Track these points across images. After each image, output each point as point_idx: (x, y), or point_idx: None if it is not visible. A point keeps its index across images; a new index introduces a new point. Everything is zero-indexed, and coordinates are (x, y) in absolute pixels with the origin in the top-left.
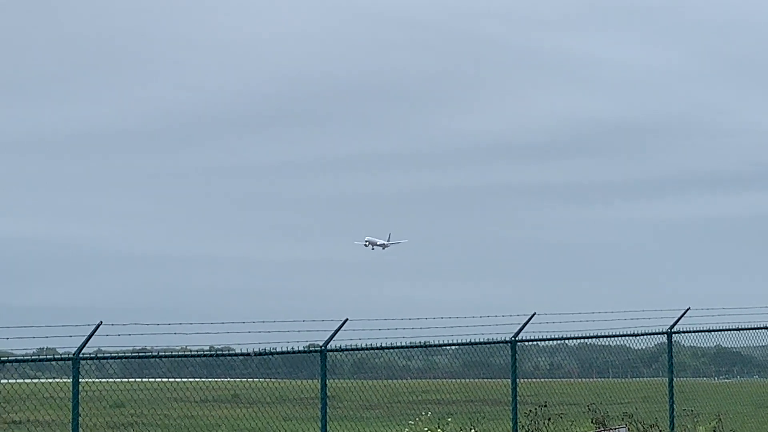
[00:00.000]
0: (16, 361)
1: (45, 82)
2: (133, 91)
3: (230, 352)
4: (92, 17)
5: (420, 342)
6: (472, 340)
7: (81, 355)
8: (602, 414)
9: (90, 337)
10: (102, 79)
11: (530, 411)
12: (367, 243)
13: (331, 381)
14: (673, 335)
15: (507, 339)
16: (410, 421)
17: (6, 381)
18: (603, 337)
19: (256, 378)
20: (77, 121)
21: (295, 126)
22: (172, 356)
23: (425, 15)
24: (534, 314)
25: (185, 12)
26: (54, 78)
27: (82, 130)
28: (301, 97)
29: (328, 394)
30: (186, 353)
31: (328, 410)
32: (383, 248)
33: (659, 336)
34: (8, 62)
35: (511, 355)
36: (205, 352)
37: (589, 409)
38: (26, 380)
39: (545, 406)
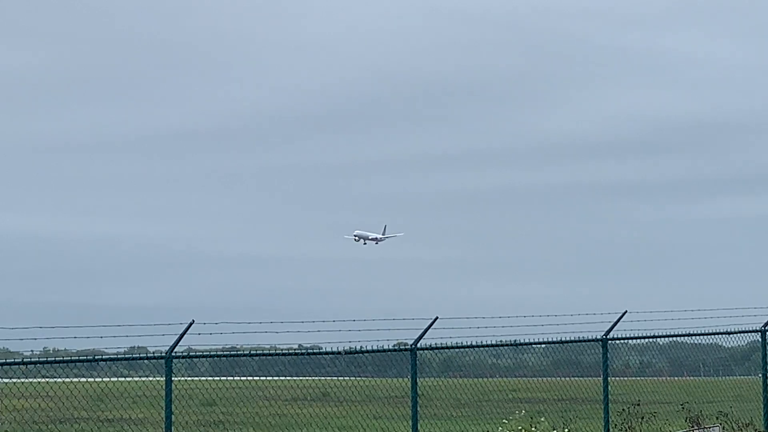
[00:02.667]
0: (109, 359)
1: (134, 84)
2: (219, 91)
3: (319, 350)
4: (177, 20)
5: (509, 340)
6: (562, 338)
7: (173, 354)
8: (696, 413)
9: (182, 336)
10: (189, 81)
11: (622, 410)
12: (357, 237)
13: (420, 379)
14: None
15: (598, 337)
16: (504, 420)
17: (99, 379)
18: (695, 335)
19: (345, 376)
20: (166, 122)
21: (377, 124)
22: (261, 355)
23: (509, 13)
24: (625, 312)
25: (267, 12)
26: (142, 81)
27: (171, 131)
28: (385, 96)
29: (418, 392)
30: (275, 352)
31: (418, 408)
32: (376, 242)
33: (752, 334)
34: (100, 66)
35: (602, 354)
36: (295, 351)
37: (683, 408)
38: (119, 378)
39: (638, 404)
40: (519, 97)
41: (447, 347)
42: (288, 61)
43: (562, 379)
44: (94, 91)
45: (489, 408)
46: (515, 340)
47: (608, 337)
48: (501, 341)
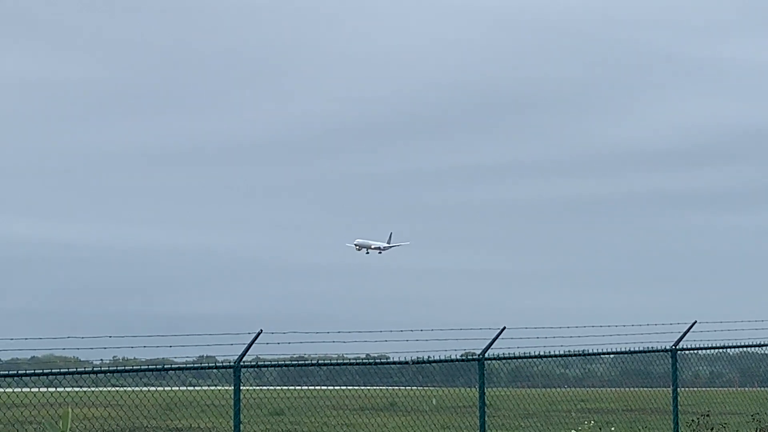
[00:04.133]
0: (178, 368)
1: (195, 96)
2: (279, 102)
3: (387, 360)
4: (235, 33)
5: (577, 350)
6: (631, 349)
7: (242, 363)
8: (766, 423)
9: (250, 345)
10: (248, 93)
11: (692, 421)
12: (358, 246)
13: (488, 389)
14: None
15: (667, 347)
16: (573, 430)
17: (168, 388)
18: (765, 345)
19: (413, 386)
20: (227, 133)
21: (437, 134)
22: (329, 364)
23: (572, 22)
24: (695, 322)
25: (325, 24)
26: (203, 93)
27: (232, 143)
28: (444, 106)
29: (486, 402)
30: (343, 361)
31: (486, 419)
32: (380, 252)
33: None
34: (165, 77)
35: (671, 364)
36: (362, 360)
37: (753, 419)
38: (187, 388)
39: (708, 415)
40: (583, 106)
41: (515, 357)
42: (346, 72)
43: (631, 389)
44: (154, 103)
45: (557, 418)
46: (583, 350)
47: (678, 347)
48: (569, 351)
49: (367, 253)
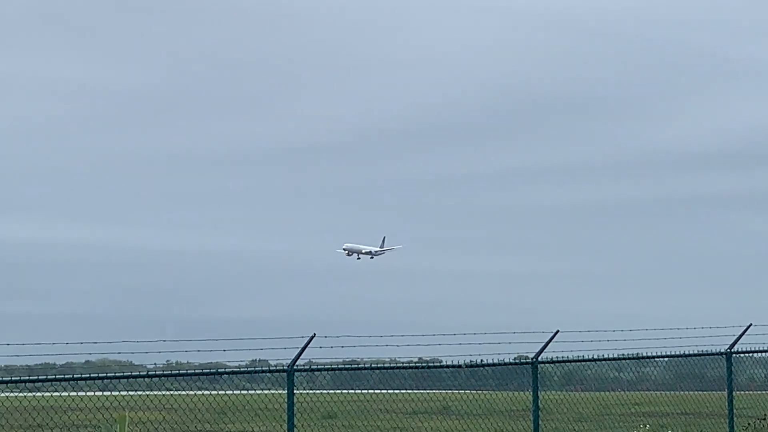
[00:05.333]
0: (231, 372)
1: (242, 101)
2: (324, 107)
3: (440, 363)
4: (291, 38)
5: (631, 353)
6: (685, 352)
7: (295, 367)
8: None
9: (304, 349)
10: (305, 97)
11: (748, 424)
12: (348, 251)
13: (541, 393)
14: None
15: (722, 351)
16: None
17: (222, 392)
18: None
19: (465, 390)
20: (285, 137)
21: (486, 137)
22: (382, 368)
23: (620, 24)
24: (750, 325)
25: (380, 28)
26: (263, 97)
27: (288, 146)
28: (487, 109)
29: (539, 406)
30: (396, 365)
31: (539, 422)
32: (371, 256)
33: None
34: (221, 83)
35: (726, 367)
36: (415, 364)
37: None
38: (241, 391)
39: (764, 418)
40: (627, 108)
41: (568, 360)
42: (389, 76)
43: (686, 393)
44: (217, 108)
45: (611, 422)
46: (637, 354)
47: (733, 350)
48: (623, 354)
49: (359, 258)
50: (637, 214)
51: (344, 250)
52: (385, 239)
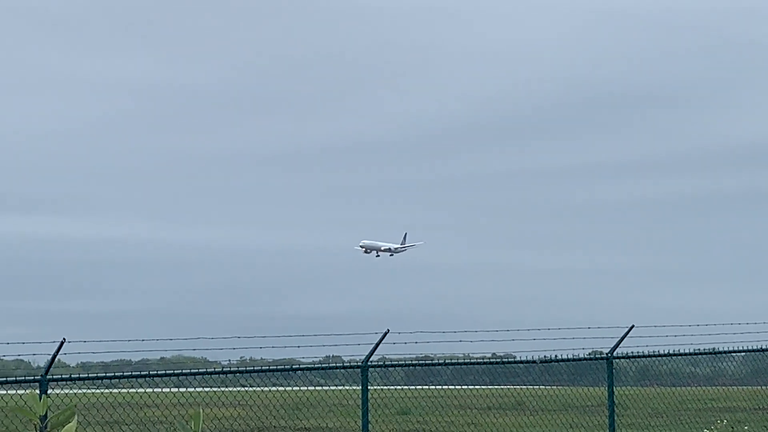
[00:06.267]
0: (305, 368)
1: (317, 98)
2: (398, 103)
3: (513, 359)
4: (351, 33)
5: (707, 348)
6: (762, 347)
7: (369, 363)
8: None
9: (378, 345)
10: (365, 93)
11: None
12: (365, 248)
13: (616, 388)
14: None
15: None
16: (705, 430)
17: (296, 388)
18: None
19: (539, 385)
20: (345, 133)
21: (553, 132)
22: (455, 364)
23: (688, 16)
24: None
25: (441, 22)
26: (321, 94)
27: (349, 143)
28: (562, 103)
29: (614, 401)
30: (469, 360)
31: (615, 417)
32: (391, 254)
33: None
34: (279, 80)
35: None
36: (489, 360)
37: None
38: (315, 387)
39: None
40: (703, 102)
41: (643, 356)
42: (463, 69)
43: (763, 387)
44: (274, 105)
45: (687, 417)
46: (713, 348)
47: None
48: (698, 350)
49: (377, 255)
50: (712, 208)
51: (361, 247)
52: (407, 235)
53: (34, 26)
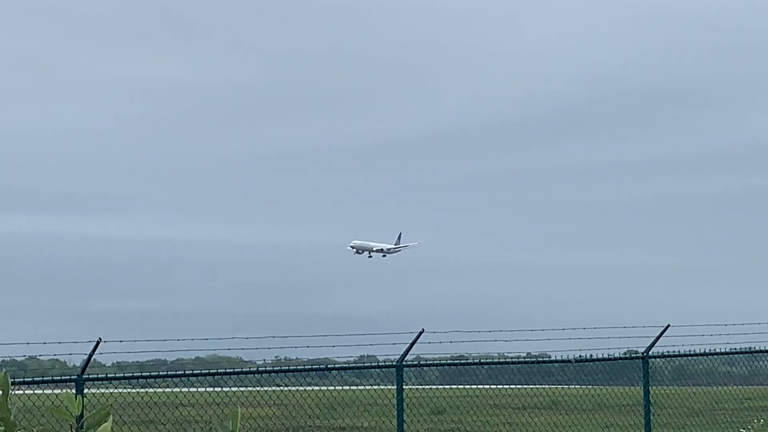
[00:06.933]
0: (340, 368)
1: (348, 97)
2: (429, 101)
3: (548, 358)
4: (383, 32)
5: (743, 347)
6: None
7: (404, 363)
8: None
9: (412, 344)
10: (397, 92)
11: None
12: (356, 249)
13: (651, 387)
14: None
15: None
16: (741, 429)
17: (331, 388)
18: None
19: (573, 385)
20: (378, 132)
21: (596, 130)
22: (490, 363)
23: (723, 13)
24: None
25: (475, 21)
26: (355, 93)
27: (383, 142)
28: (597, 101)
29: (650, 400)
30: (504, 360)
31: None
32: (383, 254)
33: None
34: (315, 79)
35: None
36: (523, 359)
37: None
38: (350, 387)
39: None
40: (734, 99)
41: (679, 355)
42: (497, 69)
43: None
44: (309, 104)
45: (723, 416)
46: (749, 347)
47: None
48: (734, 349)
49: (370, 256)
50: (748, 205)
51: (352, 247)
52: (401, 236)
53: (63, 26)
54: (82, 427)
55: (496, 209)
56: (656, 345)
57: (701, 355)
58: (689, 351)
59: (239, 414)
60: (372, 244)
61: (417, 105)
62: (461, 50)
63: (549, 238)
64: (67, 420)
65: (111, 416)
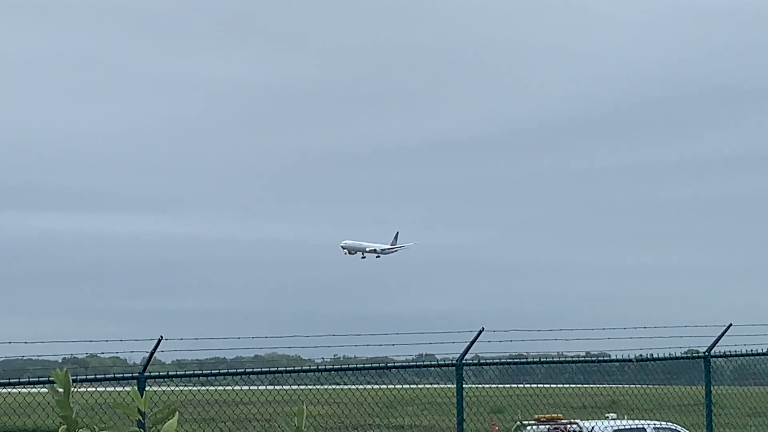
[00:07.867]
0: (399, 367)
1: (406, 94)
2: (489, 99)
3: (608, 357)
4: (445, 29)
5: None
6: None
7: (463, 362)
8: None
9: (472, 343)
10: (459, 90)
11: None
12: (347, 249)
13: (713, 387)
14: None
15: None
16: None
17: (391, 386)
18: None
19: (633, 384)
20: (435, 131)
21: (639, 129)
22: (549, 362)
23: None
24: None
25: (533, 18)
26: (416, 90)
27: (441, 140)
28: (659, 100)
29: (711, 400)
30: (563, 359)
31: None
32: (377, 255)
33: None
34: (375, 77)
35: None
36: (583, 358)
37: None
38: (409, 386)
39: None
40: None
41: (741, 354)
42: (557, 67)
43: None
44: (369, 101)
45: None
46: None
47: None
48: None
49: (363, 257)
50: None
51: (343, 248)
52: (398, 235)
53: (130, 27)
54: (147, 424)
55: (559, 208)
56: (718, 344)
57: (764, 354)
58: (751, 351)
59: (305, 412)
60: (365, 244)
61: (474, 103)
62: (527, 49)
63: (610, 237)
64: (130, 417)
65: (177, 413)
